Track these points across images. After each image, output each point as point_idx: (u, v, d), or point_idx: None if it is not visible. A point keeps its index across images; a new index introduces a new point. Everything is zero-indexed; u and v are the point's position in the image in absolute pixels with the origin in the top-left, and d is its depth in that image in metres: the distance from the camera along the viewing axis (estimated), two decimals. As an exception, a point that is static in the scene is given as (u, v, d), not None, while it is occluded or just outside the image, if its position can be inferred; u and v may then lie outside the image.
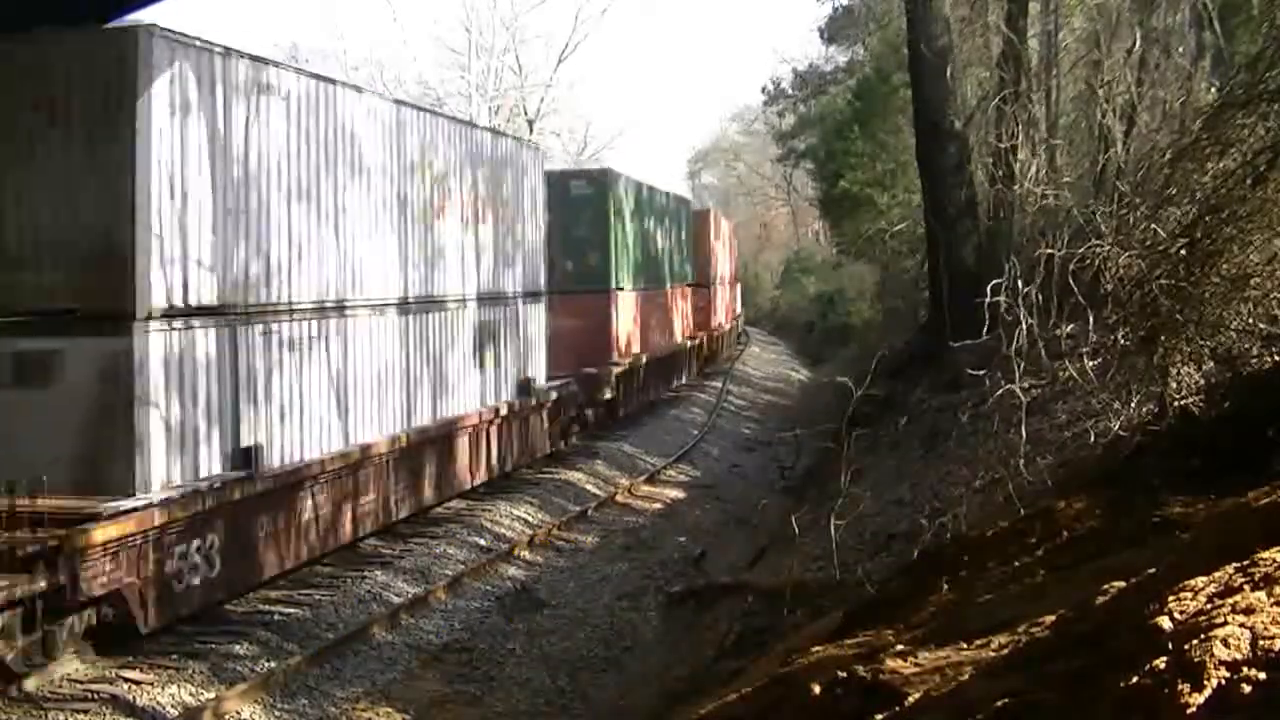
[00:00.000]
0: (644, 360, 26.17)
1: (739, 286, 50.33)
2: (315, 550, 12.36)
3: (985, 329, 8.71)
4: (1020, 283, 8.19)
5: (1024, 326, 8.11)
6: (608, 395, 23.02)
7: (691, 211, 35.83)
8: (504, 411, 17.59)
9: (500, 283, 17.83)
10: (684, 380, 32.36)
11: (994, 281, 8.37)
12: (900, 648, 4.38)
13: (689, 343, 33.27)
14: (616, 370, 23.35)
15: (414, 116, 15.40)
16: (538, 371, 19.44)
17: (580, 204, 23.14)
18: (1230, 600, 2.78)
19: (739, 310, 49.53)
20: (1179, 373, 7.22)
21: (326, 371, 12.71)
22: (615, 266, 23.75)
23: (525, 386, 18.61)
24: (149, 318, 9.85)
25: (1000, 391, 8.60)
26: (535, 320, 19.39)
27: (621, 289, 24.35)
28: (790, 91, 44.74)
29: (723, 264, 41.52)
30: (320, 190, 12.59)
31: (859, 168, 30.31)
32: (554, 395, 19.82)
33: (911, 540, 9.41)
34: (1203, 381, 7.20)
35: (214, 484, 10.50)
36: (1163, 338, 7.20)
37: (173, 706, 8.98)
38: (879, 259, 33.01)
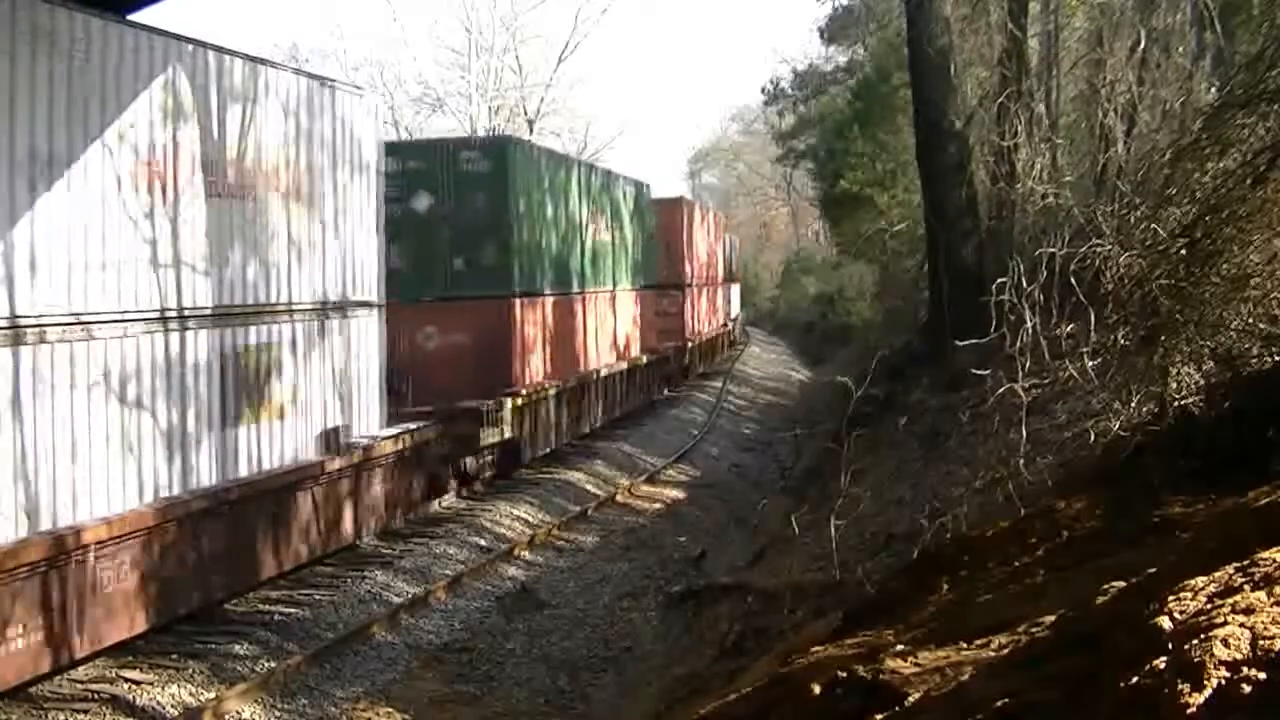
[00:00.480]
0: (566, 385, 20.56)
1: (735, 287, 49.15)
2: None
3: (987, 328, 8.70)
4: (1024, 281, 8.18)
5: (1027, 326, 8.10)
6: (497, 436, 17.19)
7: (654, 199, 29.89)
8: (291, 479, 12.10)
9: (286, 288, 12.34)
10: (639, 404, 26.76)
11: (998, 280, 8.37)
12: (900, 648, 4.37)
13: (646, 358, 27.12)
14: (516, 402, 17.83)
15: (90, 26, 9.43)
16: (364, 414, 13.91)
17: (474, 182, 17.79)
18: (1230, 600, 2.78)
19: (735, 314, 48.44)
20: (1179, 373, 7.20)
21: None
22: (521, 264, 18.44)
23: (332, 439, 13.05)
24: None
25: (1001, 391, 8.60)
26: (361, 340, 13.85)
27: (529, 294, 18.82)
28: (790, 91, 44.78)
29: (707, 263, 37.58)
30: None
31: (859, 168, 30.35)
32: (393, 446, 14.21)
33: (911, 540, 9.39)
34: (1203, 381, 7.18)
35: None
36: (1163, 338, 7.19)
37: (173, 706, 8.99)
38: (879, 259, 33.05)
